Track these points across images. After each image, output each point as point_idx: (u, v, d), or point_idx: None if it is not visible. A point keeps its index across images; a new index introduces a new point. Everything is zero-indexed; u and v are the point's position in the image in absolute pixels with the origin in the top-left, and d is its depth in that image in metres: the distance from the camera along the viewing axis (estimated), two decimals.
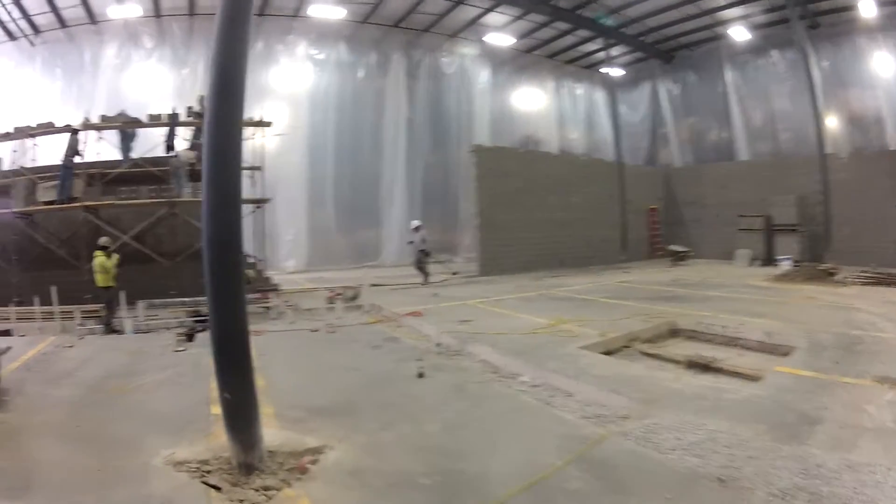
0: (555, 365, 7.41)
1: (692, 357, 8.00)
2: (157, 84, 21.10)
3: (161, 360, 8.95)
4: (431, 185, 25.62)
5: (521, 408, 6.15)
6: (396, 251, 23.56)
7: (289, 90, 23.89)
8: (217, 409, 4.99)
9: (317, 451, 5.12)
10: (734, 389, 6.34)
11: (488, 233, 19.30)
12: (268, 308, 13.04)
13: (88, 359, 9.19)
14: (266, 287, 14.91)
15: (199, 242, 14.10)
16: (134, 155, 16.07)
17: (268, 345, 9.48)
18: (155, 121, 15.54)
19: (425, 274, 17.17)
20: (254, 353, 8.61)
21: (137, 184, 15.74)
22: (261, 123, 16.13)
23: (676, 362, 7.95)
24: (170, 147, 15.16)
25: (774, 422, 5.26)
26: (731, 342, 8.94)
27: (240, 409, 4.75)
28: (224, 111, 4.74)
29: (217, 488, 4.51)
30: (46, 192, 14.83)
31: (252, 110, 15.67)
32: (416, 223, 18.13)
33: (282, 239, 22.93)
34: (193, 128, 15.59)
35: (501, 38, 25.91)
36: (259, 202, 15.93)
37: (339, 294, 13.77)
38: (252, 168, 15.82)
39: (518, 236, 19.79)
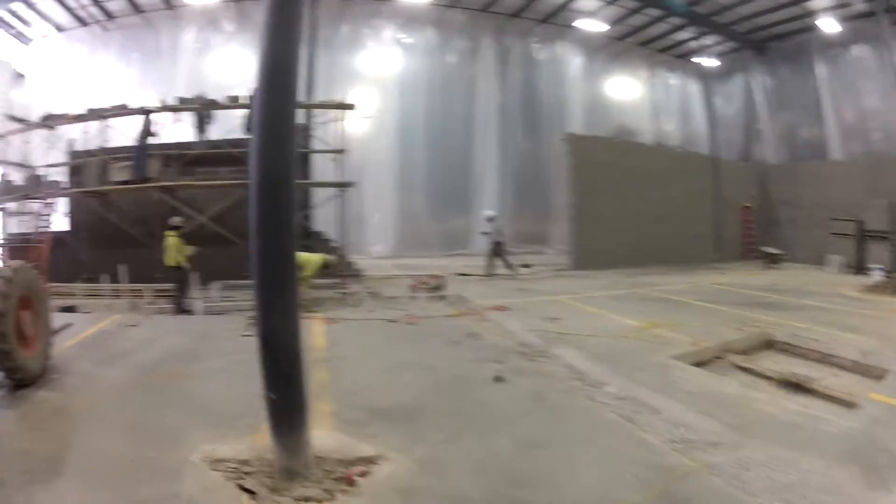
0: (643, 376, 6.73)
1: (786, 375, 7.39)
2: (238, 67, 21.16)
3: (225, 344, 8.63)
4: (523, 174, 24.88)
5: (602, 425, 5.48)
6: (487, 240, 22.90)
7: (377, 74, 23.75)
8: None
9: (370, 461, 4.54)
10: (828, 419, 5.60)
11: (580, 225, 18.67)
12: (347, 294, 12.87)
13: (150, 339, 9.03)
14: (348, 272, 14.73)
15: None
16: (213, 136, 16.15)
17: (341, 335, 9.31)
18: (233, 102, 15.39)
19: (506, 265, 16.43)
20: (324, 342, 8.54)
21: (216, 165, 15.70)
22: (343, 106, 15.92)
23: (769, 379, 7.38)
24: (248, 129, 14.95)
25: (867, 462, 4.60)
26: (825, 359, 8.18)
27: (285, 411, 4.30)
28: (275, 90, 4.23)
29: (252, 493, 4.05)
30: (120, 172, 15.23)
31: (337, 93, 16.25)
32: (490, 213, 17.53)
33: (370, 224, 22.87)
34: None
35: (593, 24, 24.84)
36: (343, 186, 15.72)
37: (422, 283, 13.48)
38: (336, 151, 15.77)
39: (611, 230, 18.77)
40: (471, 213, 23.71)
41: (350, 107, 16.09)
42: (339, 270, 14.41)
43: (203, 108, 15.89)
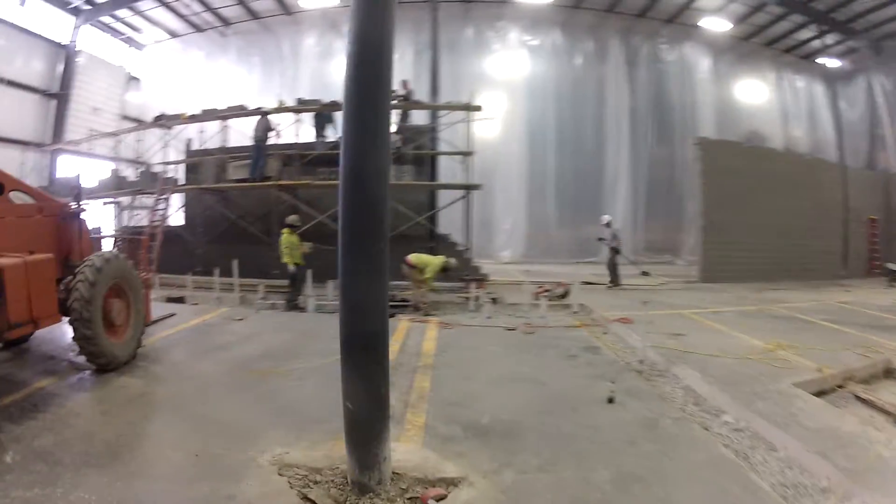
0: (763, 406, 5.93)
1: None
2: None
3: (328, 344, 8.15)
4: (655, 181, 23.82)
5: (712, 462, 4.76)
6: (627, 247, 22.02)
7: (504, 78, 23.57)
8: None
9: (451, 482, 4.00)
10: None
11: (711, 235, 17.64)
12: (468, 299, 12.55)
13: (252, 334, 9.06)
14: (472, 276, 14.31)
15: (403, 226, 14.37)
16: (333, 138, 16.24)
17: (454, 340, 9.03)
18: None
19: (615, 275, 15.44)
20: (434, 348, 8.39)
21: (336, 166, 15.72)
22: (469, 107, 15.51)
23: (888, 414, 6.62)
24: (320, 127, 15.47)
25: None
26: None
27: (362, 423, 3.93)
28: (367, 84, 3.88)
29: None
30: (237, 171, 15.74)
31: (463, 97, 15.68)
32: (606, 218, 16.58)
33: (499, 228, 22.74)
34: (399, 111, 15.69)
35: (717, 22, 23.71)
36: (468, 188, 15.31)
37: (546, 290, 12.88)
38: (462, 153, 15.47)
39: (742, 241, 17.47)
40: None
41: (476, 108, 15.63)
42: (463, 274, 14.10)
43: (322, 110, 16.11)
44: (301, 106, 16.28)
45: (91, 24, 22.93)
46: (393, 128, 15.28)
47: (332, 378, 5.97)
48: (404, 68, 20.26)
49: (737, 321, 10.69)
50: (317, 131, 16.46)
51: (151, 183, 16.32)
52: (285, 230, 12.21)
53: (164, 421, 5.16)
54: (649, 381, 6.98)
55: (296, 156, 15.97)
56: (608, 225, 16.03)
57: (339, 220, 3.86)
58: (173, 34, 25.04)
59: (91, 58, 23.37)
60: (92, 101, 22.98)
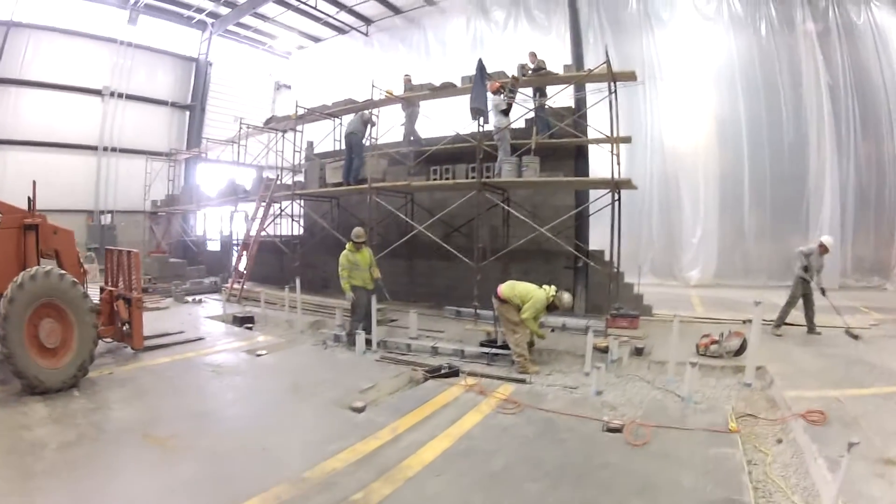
0: None
1: None
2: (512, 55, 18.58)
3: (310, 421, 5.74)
4: (863, 183, 17.84)
5: None
6: (830, 268, 16.09)
7: (680, 58, 18.81)
8: None
9: None
10: None
11: None
12: (600, 349, 8.33)
13: (238, 386, 6.92)
14: (620, 312, 10.04)
15: (524, 238, 10.94)
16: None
17: (481, 450, 4.91)
18: (465, 83, 12.52)
19: (806, 313, 9.94)
20: (427, 461, 4.66)
21: (455, 162, 12.93)
22: (623, 75, 11.27)
23: None
24: (477, 111, 11.90)
25: None
26: None
27: None
28: None
29: None
30: (335, 173, 13.59)
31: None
32: (804, 249, 10.36)
33: (686, 241, 18.46)
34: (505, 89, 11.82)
35: None
36: (617, 186, 10.58)
37: (714, 342, 8.45)
38: (619, 140, 10.95)
39: None
40: (808, 231, 17.50)
41: (629, 75, 11.46)
42: (614, 307, 10.10)
43: (433, 96, 13.39)
44: (408, 93, 13.81)
45: (222, 36, 23.80)
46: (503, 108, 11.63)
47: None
48: (564, 46, 16.59)
49: None
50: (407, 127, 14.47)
51: (263, 190, 15.34)
52: (350, 247, 9.41)
53: None
54: None
55: (410, 153, 13.63)
56: (808, 255, 10.06)
57: None
58: (316, 39, 24.90)
59: (226, 68, 24.79)
60: (231, 109, 23.58)
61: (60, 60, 19.60)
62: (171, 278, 16.10)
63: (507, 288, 8.07)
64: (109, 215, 21.08)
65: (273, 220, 14.94)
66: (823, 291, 9.68)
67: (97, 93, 20.75)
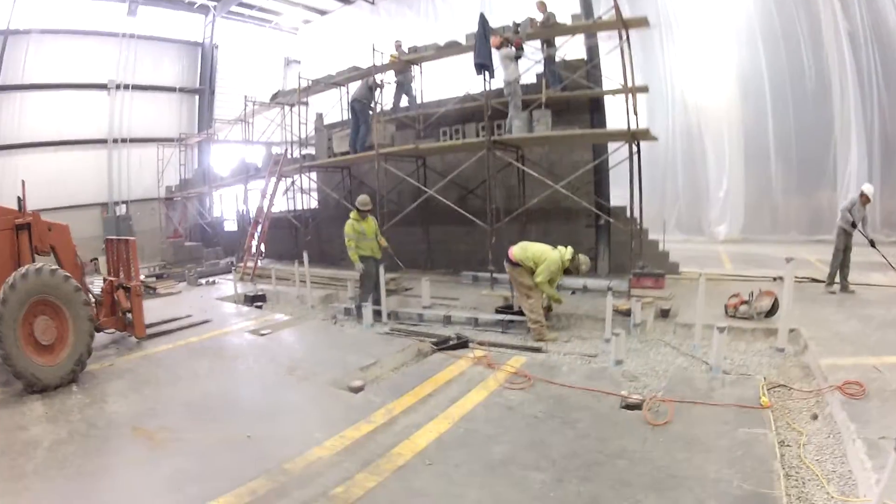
0: None
1: None
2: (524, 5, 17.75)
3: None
4: (888, 132, 16.88)
5: None
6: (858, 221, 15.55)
7: (699, 9, 18.05)
8: None
9: None
10: None
11: None
12: (622, 312, 7.89)
13: (224, 370, 6.66)
14: (644, 271, 9.57)
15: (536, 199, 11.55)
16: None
17: (478, 433, 4.51)
18: (470, 41, 11.91)
19: (839, 268, 9.18)
20: (422, 447, 4.30)
21: (465, 122, 12.48)
22: (634, 22, 10.70)
23: None
24: (481, 67, 11.29)
25: None
26: None
27: None
28: None
29: None
30: (342, 142, 13.31)
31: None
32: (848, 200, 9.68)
33: (713, 195, 17.99)
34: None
35: None
36: (633, 138, 9.91)
37: (743, 302, 7.80)
38: (635, 89, 10.11)
39: None
40: (837, 184, 16.73)
41: (641, 22, 10.84)
42: (638, 266, 9.65)
43: (438, 56, 12.93)
44: (411, 55, 13.34)
45: (224, 18, 23.57)
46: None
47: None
48: None
49: None
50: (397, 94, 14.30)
51: (272, 166, 15.13)
52: (355, 216, 8.95)
53: None
54: None
55: (420, 118, 13.13)
56: (852, 205, 9.34)
57: None
58: (322, 11, 24.64)
59: (234, 49, 24.75)
60: (241, 89, 23.16)
61: (63, 60, 19.58)
62: (187, 262, 16.05)
63: (518, 250, 7.58)
64: (125, 206, 21.16)
65: (284, 195, 14.74)
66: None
67: (103, 87, 20.71)
